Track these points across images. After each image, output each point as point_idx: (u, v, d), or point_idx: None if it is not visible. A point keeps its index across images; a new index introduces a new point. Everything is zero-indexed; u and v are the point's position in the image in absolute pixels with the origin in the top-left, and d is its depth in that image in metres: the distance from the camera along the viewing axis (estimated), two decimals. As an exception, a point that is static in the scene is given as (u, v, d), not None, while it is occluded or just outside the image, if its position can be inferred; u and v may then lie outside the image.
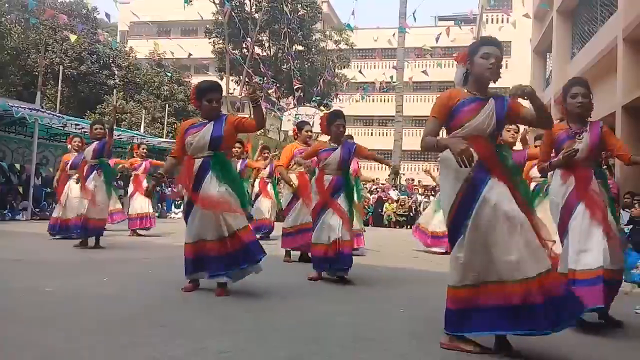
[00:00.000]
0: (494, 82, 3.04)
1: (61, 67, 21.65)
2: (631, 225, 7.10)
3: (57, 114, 15.48)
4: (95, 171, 7.46)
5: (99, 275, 5.17)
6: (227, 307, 3.99)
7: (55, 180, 9.58)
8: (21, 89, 26.71)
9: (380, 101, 37.02)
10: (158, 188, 15.93)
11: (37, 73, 23.29)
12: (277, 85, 28.17)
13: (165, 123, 23.87)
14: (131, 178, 10.47)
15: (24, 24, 25.06)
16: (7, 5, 22.41)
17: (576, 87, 3.94)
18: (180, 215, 18.65)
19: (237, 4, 30.06)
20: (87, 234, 7.47)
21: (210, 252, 4.29)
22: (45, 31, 27.07)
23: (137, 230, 10.02)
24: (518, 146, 6.01)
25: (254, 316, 3.71)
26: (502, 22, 29.42)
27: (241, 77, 30.25)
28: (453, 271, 2.91)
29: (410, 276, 6.19)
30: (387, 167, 7.18)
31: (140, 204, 10.01)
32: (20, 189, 14.04)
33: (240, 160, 9.31)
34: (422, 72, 19.38)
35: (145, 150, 10.52)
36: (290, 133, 26.75)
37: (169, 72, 22.93)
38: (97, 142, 7.56)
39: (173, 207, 18.82)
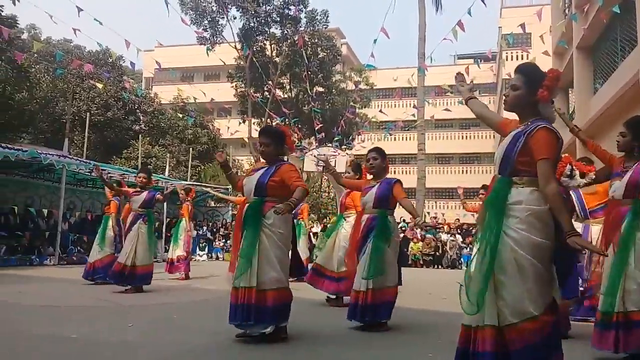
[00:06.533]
0: (516, 112, 2.93)
1: (88, 114, 22.22)
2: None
3: (84, 160, 15.80)
4: (141, 219, 7.62)
5: (123, 321, 5.16)
6: (248, 354, 3.91)
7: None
8: (49, 136, 27.40)
9: (402, 139, 37.04)
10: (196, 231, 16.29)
11: (65, 120, 23.94)
12: (299, 126, 28.47)
13: (190, 166, 24.18)
14: (180, 223, 10.53)
15: (53, 73, 25.91)
16: (36, 55, 23.27)
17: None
18: (204, 257, 18.66)
19: (258, 48, 30.74)
20: (136, 282, 7.51)
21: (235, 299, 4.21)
22: (72, 80, 27.93)
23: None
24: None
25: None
26: (522, 59, 29.51)
27: (263, 119, 30.68)
28: None
29: (438, 319, 6.02)
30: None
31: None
32: (48, 235, 14.24)
33: None
34: (445, 109, 19.36)
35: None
36: (313, 174, 26.97)
37: (191, 117, 23.40)
38: (147, 192, 7.72)
39: (198, 249, 18.87)
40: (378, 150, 5.28)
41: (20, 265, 12.45)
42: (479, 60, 16.10)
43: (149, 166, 25.18)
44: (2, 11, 18.41)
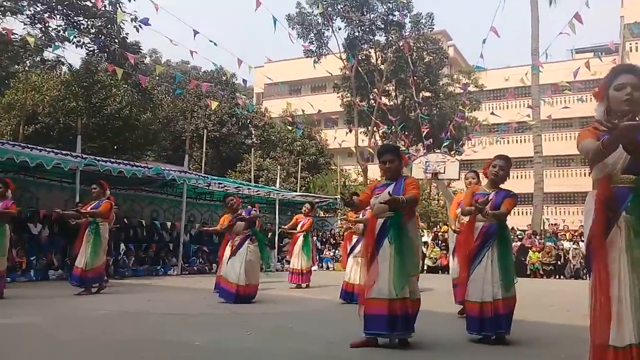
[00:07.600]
0: (635, 114, 2.63)
1: (205, 131, 23.49)
2: None
3: (202, 175, 16.66)
4: (248, 239, 7.66)
5: (242, 329, 5.33)
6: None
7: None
8: (171, 153, 29.38)
9: (516, 142, 35.45)
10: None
11: (184, 138, 25.52)
12: (406, 133, 28.14)
13: (299, 177, 24.73)
14: (307, 238, 10.73)
15: (172, 94, 27.79)
16: (157, 77, 25.11)
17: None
18: (315, 267, 18.92)
19: (363, 57, 30.89)
20: (244, 300, 7.47)
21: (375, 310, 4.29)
22: (191, 99, 29.76)
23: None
24: None
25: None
26: (648, 48, 27.09)
27: (369, 127, 30.72)
28: None
29: (561, 332, 5.62)
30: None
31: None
32: (171, 246, 15.16)
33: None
34: (564, 108, 18.19)
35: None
36: (422, 181, 26.47)
37: (299, 129, 23.99)
38: (244, 213, 7.78)
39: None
40: (506, 160, 4.91)
41: (148, 275, 13.34)
42: (599, 53, 15.01)
43: (260, 179, 26.15)
44: (127, 39, 19.97)
